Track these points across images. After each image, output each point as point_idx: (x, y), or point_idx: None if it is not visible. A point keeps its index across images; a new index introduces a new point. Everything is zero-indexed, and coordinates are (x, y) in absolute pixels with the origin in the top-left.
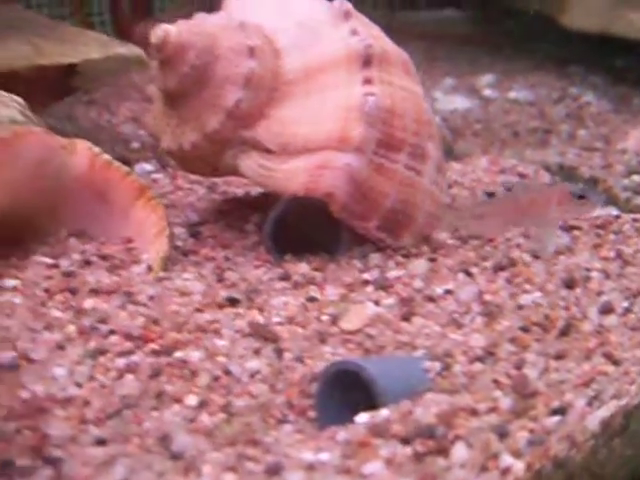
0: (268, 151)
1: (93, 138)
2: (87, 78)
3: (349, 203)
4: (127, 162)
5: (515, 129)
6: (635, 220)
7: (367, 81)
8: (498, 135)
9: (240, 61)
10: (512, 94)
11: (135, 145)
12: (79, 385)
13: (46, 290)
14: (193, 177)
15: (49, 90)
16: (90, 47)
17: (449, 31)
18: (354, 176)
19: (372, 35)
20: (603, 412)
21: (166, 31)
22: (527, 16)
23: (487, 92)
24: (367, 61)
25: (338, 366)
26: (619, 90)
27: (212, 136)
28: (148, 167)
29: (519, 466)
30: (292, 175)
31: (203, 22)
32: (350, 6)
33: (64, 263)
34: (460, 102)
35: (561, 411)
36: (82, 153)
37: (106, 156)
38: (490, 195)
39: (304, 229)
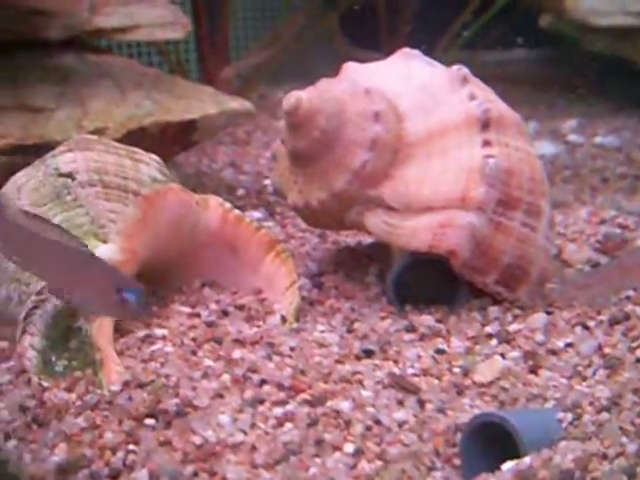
0: (392, 209)
1: (199, 185)
2: (205, 132)
3: (470, 259)
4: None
5: (604, 175)
6: None
7: (486, 143)
8: (588, 181)
9: (367, 125)
10: (598, 139)
11: (240, 192)
12: (244, 432)
13: (193, 339)
14: (303, 226)
15: (171, 145)
16: (206, 103)
17: (522, 72)
18: (475, 234)
19: (489, 99)
20: None
21: (298, 98)
22: (603, 57)
23: (572, 137)
24: (485, 124)
25: (483, 418)
26: None
27: (339, 195)
28: (257, 214)
29: None
30: (416, 232)
31: (331, 88)
32: (467, 71)
33: (204, 313)
34: (546, 147)
35: None
36: (215, 209)
37: (237, 212)
38: (594, 266)
39: (425, 282)
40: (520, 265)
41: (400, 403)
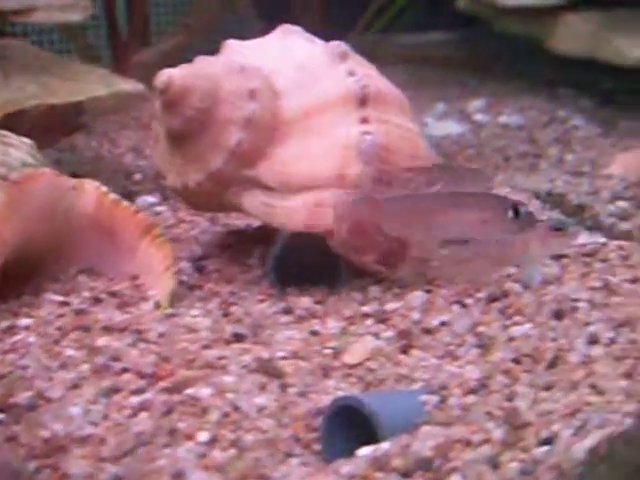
0: (270, 189)
1: (95, 169)
2: (94, 115)
3: (348, 238)
4: (130, 194)
5: (506, 154)
6: (621, 248)
7: (364, 120)
8: (490, 160)
9: (242, 103)
10: (503, 118)
11: (137, 177)
12: (95, 424)
13: (59, 328)
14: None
15: (58, 128)
16: (95, 85)
17: (436, 54)
18: (352, 212)
19: (368, 75)
20: (589, 441)
21: (170, 76)
22: (515, 37)
23: (478, 117)
24: (363, 101)
25: (341, 402)
26: (607, 113)
27: (216, 175)
28: (151, 199)
29: None
30: (293, 212)
31: (205, 66)
32: (346, 47)
33: (75, 301)
34: (451, 127)
35: (549, 441)
36: (90, 193)
37: (113, 195)
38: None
39: (305, 263)
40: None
41: (263, 388)
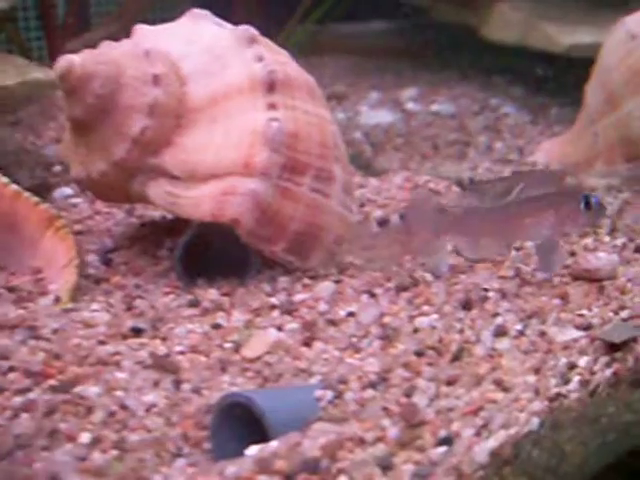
0: (175, 178)
1: (17, 161)
2: (5, 103)
3: (255, 228)
4: (48, 186)
5: (435, 142)
6: None
7: (271, 106)
8: (418, 149)
9: (145, 89)
10: (434, 107)
11: (57, 168)
12: None
13: None
14: None
15: None
16: (6, 73)
17: (377, 44)
18: (259, 201)
19: (277, 60)
20: (492, 442)
21: (69, 61)
22: (452, 27)
23: (410, 105)
24: (271, 86)
25: (229, 399)
26: (538, 100)
27: (120, 164)
28: (68, 191)
29: None
30: (199, 201)
31: (108, 51)
32: (255, 32)
33: None
34: (383, 116)
35: (448, 441)
36: None
37: (14, 186)
38: (383, 223)
39: (215, 254)
40: (311, 232)
41: (155, 384)
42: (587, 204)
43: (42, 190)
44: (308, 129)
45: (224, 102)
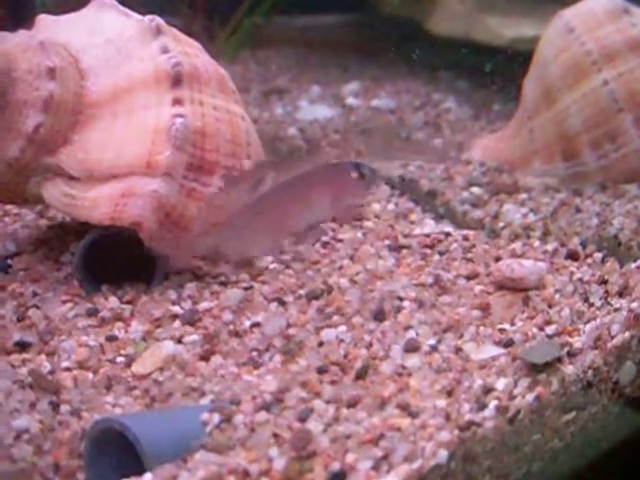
0: (73, 178)
1: None
2: None
3: (159, 231)
4: None
5: (370, 139)
6: (465, 238)
7: (176, 102)
8: (354, 145)
9: (39, 83)
10: (375, 102)
11: None
12: None
13: None
14: None
15: None
16: None
17: (326, 37)
18: (162, 203)
19: (185, 52)
20: (391, 478)
21: None
22: (399, 22)
23: (350, 100)
24: (176, 80)
25: (102, 424)
26: (481, 96)
27: (13, 164)
28: None
29: None
30: (96, 203)
31: (1, 42)
32: (161, 21)
33: None
34: (321, 112)
35: (341, 476)
36: None
37: None
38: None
39: (117, 259)
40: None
41: (32, 406)
42: (359, 173)
43: None
44: (217, 125)
45: (126, 97)
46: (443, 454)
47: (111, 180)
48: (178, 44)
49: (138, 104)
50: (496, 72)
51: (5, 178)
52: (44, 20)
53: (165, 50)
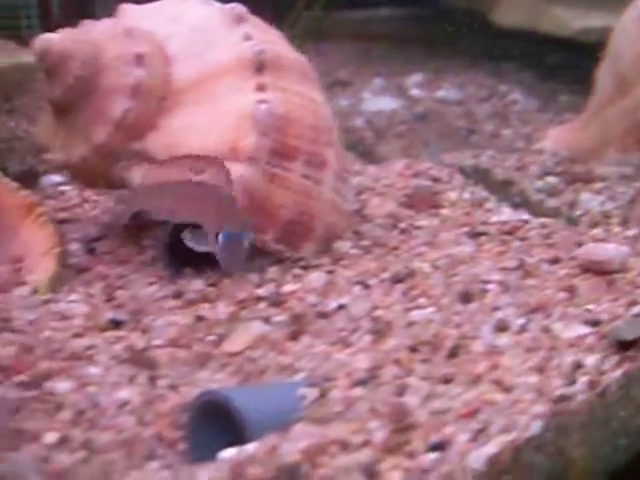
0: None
1: (8, 148)
2: None
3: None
4: (36, 173)
5: (439, 129)
6: (543, 225)
7: (260, 88)
8: (422, 136)
9: (127, 70)
10: (440, 93)
11: (48, 155)
12: None
13: None
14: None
15: None
16: None
17: (385, 30)
18: (247, 187)
19: (267, 40)
20: (489, 448)
21: (47, 41)
22: (461, 14)
23: (414, 92)
24: (260, 67)
25: (206, 397)
26: (548, 87)
27: (100, 148)
28: (57, 179)
29: None
30: None
31: (88, 30)
32: (244, 10)
33: None
34: (385, 103)
35: (441, 446)
36: None
37: None
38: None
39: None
40: (302, 220)
41: (130, 380)
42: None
43: (30, 177)
44: (299, 112)
45: (211, 83)
46: (537, 426)
47: None
48: (259, 32)
49: (222, 91)
50: (561, 64)
51: (92, 162)
52: (127, 9)
53: (248, 37)
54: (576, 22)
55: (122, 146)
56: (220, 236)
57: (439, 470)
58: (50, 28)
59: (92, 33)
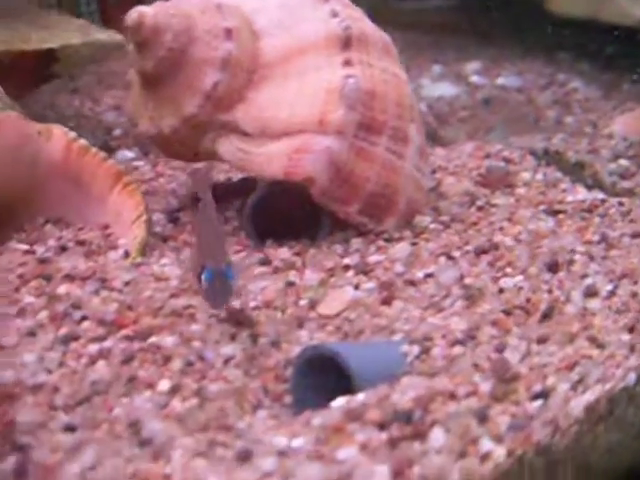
0: (247, 134)
1: (75, 126)
2: (67, 65)
3: (329, 187)
4: (108, 149)
5: (502, 115)
6: (621, 204)
7: (347, 63)
8: (485, 121)
9: (217, 43)
10: (500, 80)
11: (117, 132)
12: (49, 371)
13: (20, 276)
14: (175, 164)
15: (28, 76)
16: (70, 33)
17: (436, 20)
18: (334, 159)
19: (352, 17)
20: (587, 396)
21: (141, 13)
22: (516, 3)
23: (474, 79)
24: (347, 43)
25: (313, 350)
26: (608, 77)
27: (190, 120)
28: (129, 154)
29: (500, 452)
30: (271, 159)
31: (180, 3)
32: None
33: (39, 249)
34: (445, 89)
35: (543, 395)
36: (58, 139)
37: (82, 141)
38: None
39: (285, 214)
40: (386, 194)
41: (232, 338)
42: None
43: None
44: (384, 87)
45: (298, 58)
46: (631, 377)
47: (283, 137)
48: (345, 8)
49: (310, 65)
50: (620, 53)
51: (181, 134)
52: None
53: (335, 14)
54: (638, 10)
55: (211, 118)
56: (203, 277)
57: (543, 416)
58: (108, 14)
59: (184, 7)
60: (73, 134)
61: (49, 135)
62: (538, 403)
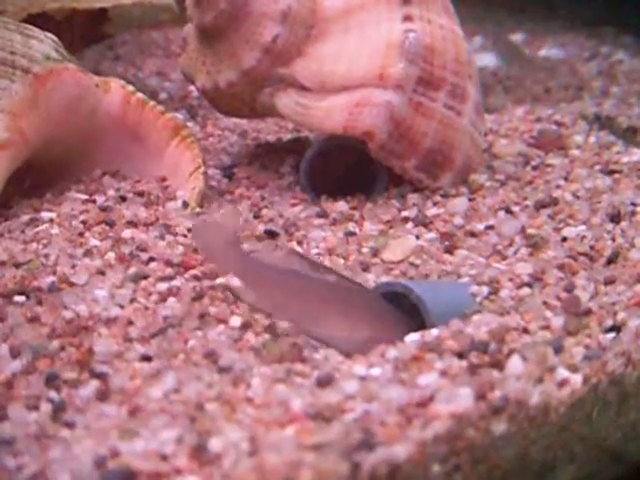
0: (306, 89)
1: None
2: (117, 25)
3: (388, 142)
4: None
5: (547, 85)
6: None
7: (407, 18)
8: (530, 91)
9: None
10: (543, 51)
11: (163, 96)
12: (121, 306)
13: (83, 222)
14: (223, 124)
15: (79, 35)
16: None
17: None
18: (394, 114)
19: None
20: None
21: None
22: None
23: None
24: None
25: (386, 287)
26: None
27: (249, 73)
28: (179, 116)
29: (576, 379)
30: (330, 113)
31: None
32: None
33: (100, 199)
34: (489, 59)
35: (616, 329)
36: (116, 91)
37: (140, 94)
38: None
39: (340, 169)
40: (443, 150)
41: None
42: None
43: None
44: (443, 43)
45: (358, 13)
46: None
47: (342, 91)
48: None
49: (370, 20)
50: None
51: (239, 87)
52: None
53: None
54: None
55: (270, 72)
56: None
57: (616, 348)
58: None
59: None
60: (131, 87)
61: (107, 88)
62: (611, 336)
